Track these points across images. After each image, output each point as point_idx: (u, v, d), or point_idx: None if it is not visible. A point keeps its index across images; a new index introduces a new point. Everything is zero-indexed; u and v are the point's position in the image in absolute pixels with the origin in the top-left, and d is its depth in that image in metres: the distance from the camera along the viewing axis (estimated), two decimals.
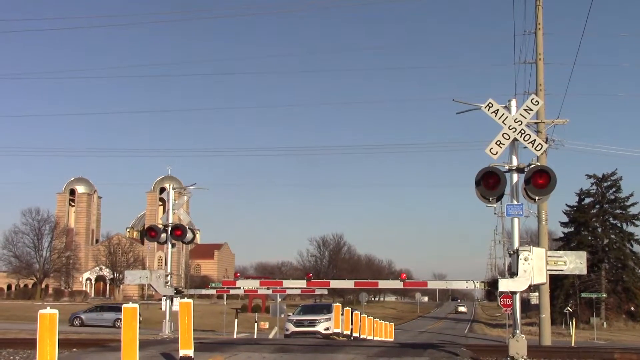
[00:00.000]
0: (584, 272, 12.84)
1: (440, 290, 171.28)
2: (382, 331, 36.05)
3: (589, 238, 72.87)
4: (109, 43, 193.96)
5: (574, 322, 43.26)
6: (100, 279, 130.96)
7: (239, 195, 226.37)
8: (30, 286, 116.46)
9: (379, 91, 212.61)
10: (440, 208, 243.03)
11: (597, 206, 73.62)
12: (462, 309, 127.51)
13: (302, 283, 16.20)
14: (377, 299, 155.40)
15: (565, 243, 72.70)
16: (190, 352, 12.01)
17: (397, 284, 15.26)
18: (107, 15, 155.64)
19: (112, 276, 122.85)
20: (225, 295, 43.08)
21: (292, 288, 22.28)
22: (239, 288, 21.22)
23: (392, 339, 36.27)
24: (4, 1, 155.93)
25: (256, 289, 27.43)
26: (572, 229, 74.68)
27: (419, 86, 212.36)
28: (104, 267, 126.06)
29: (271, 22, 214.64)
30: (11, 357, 15.82)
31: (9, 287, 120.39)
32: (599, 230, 73.10)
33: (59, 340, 8.89)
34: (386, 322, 40.26)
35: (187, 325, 12.04)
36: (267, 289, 25.23)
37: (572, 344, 35.22)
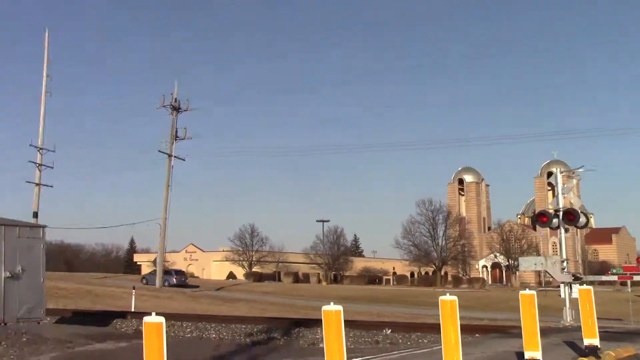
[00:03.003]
0: None
1: None
2: None
3: None
4: None
5: None
6: (495, 265, 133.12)
7: (634, 177, 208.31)
8: (430, 273, 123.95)
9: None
10: None
11: None
12: None
13: None
14: None
15: None
16: (595, 342, 11.36)
17: None
18: None
19: (507, 263, 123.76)
20: (628, 281, 39.97)
21: None
22: None
23: None
24: None
25: None
26: None
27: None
28: (498, 254, 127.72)
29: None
30: (419, 340, 17.04)
31: (412, 274, 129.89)
32: None
33: (461, 325, 9.21)
34: None
35: (589, 312, 11.45)
36: None
37: None
